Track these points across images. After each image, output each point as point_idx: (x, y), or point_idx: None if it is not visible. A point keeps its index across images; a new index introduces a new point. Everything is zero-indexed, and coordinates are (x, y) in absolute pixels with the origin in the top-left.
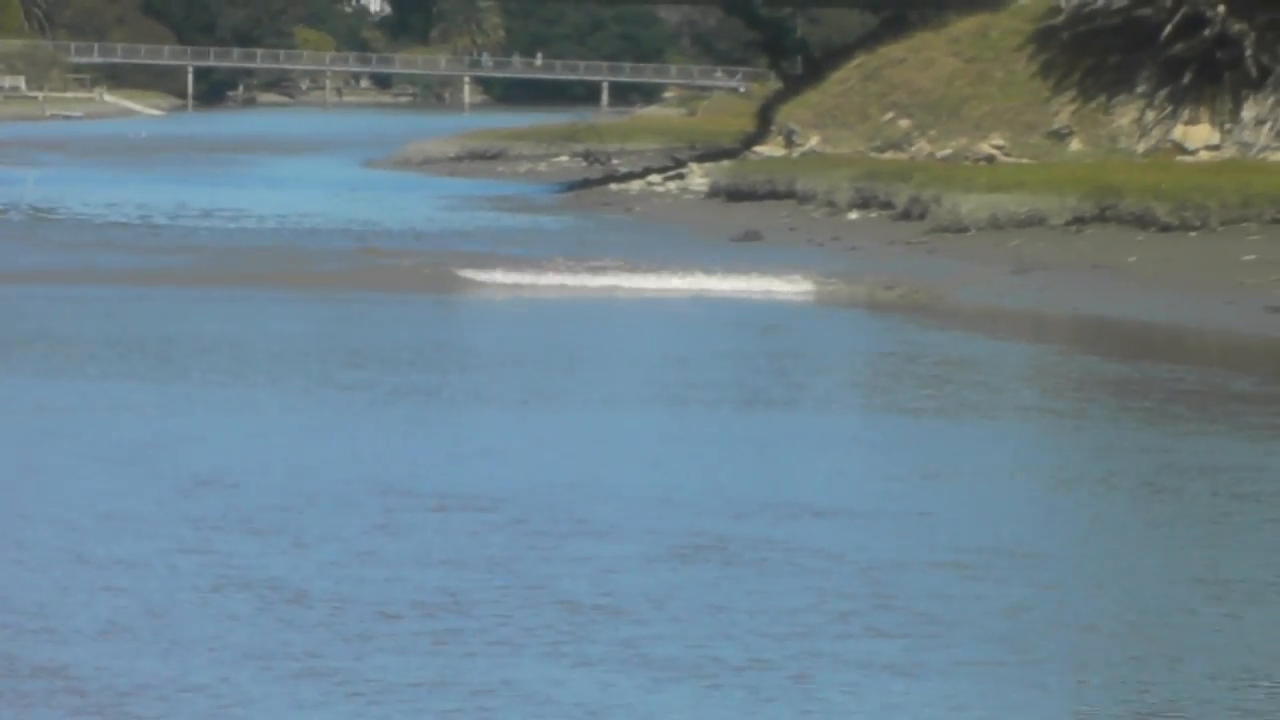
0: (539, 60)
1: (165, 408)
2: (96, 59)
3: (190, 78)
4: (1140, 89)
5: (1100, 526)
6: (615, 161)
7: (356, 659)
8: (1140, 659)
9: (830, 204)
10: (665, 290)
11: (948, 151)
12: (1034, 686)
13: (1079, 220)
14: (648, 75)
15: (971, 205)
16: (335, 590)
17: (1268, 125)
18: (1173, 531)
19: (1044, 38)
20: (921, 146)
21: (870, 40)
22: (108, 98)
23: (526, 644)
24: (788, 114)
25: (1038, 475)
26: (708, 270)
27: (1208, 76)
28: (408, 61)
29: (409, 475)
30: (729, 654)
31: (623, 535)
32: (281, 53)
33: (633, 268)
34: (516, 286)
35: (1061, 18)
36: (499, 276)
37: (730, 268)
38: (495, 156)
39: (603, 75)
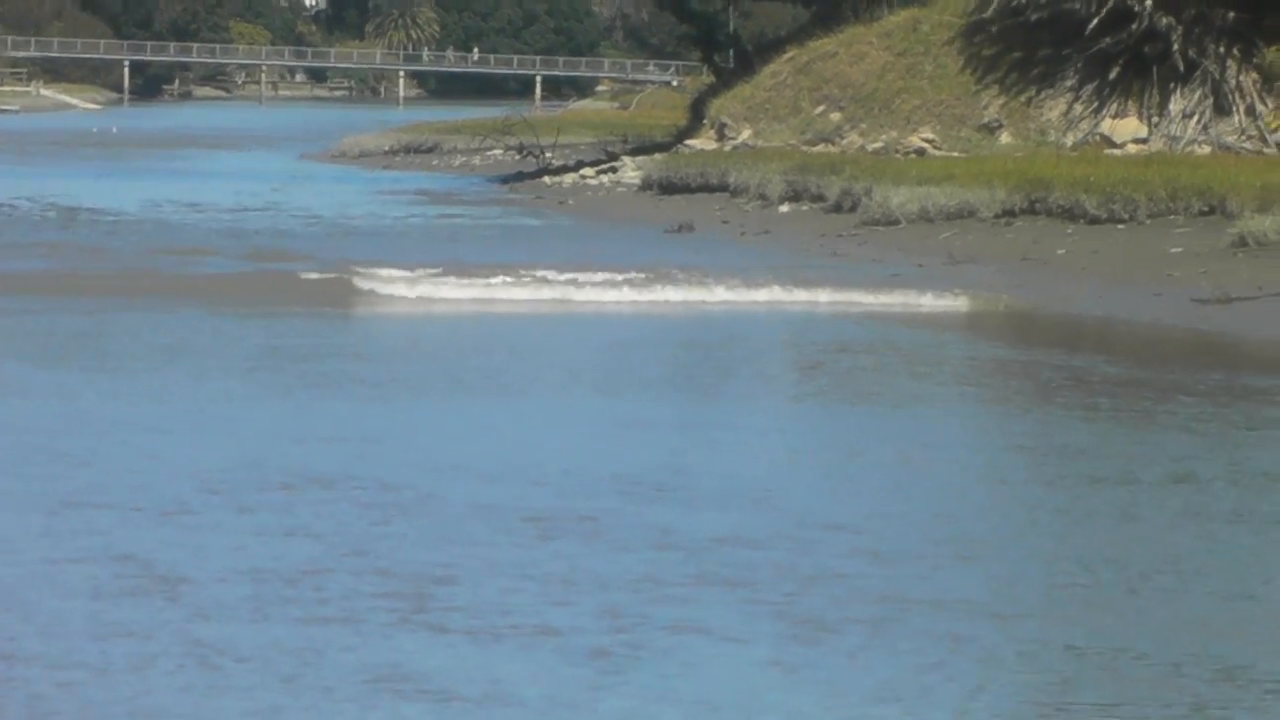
0: (473, 55)
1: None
2: (33, 53)
3: (126, 72)
4: (1068, 83)
5: (952, 504)
6: (549, 155)
7: (198, 629)
8: (950, 631)
9: (762, 197)
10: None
11: (878, 145)
12: (842, 654)
13: (1009, 213)
14: (581, 69)
15: (902, 198)
16: (179, 562)
17: (1194, 119)
18: (1007, 510)
19: (973, 31)
20: (853, 140)
21: (801, 34)
22: (44, 92)
23: (368, 614)
24: (720, 107)
25: (910, 458)
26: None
27: (1135, 70)
28: (343, 55)
29: (278, 458)
30: (561, 622)
31: (474, 512)
32: (217, 47)
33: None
34: (457, 301)
35: (990, 11)
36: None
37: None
38: (430, 150)
39: (536, 69)
